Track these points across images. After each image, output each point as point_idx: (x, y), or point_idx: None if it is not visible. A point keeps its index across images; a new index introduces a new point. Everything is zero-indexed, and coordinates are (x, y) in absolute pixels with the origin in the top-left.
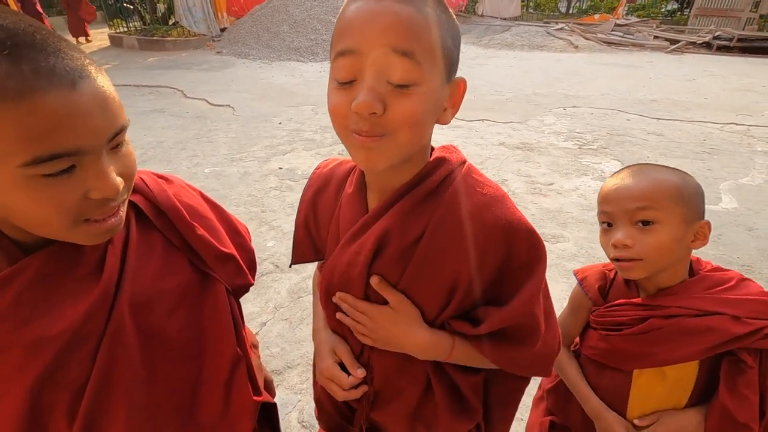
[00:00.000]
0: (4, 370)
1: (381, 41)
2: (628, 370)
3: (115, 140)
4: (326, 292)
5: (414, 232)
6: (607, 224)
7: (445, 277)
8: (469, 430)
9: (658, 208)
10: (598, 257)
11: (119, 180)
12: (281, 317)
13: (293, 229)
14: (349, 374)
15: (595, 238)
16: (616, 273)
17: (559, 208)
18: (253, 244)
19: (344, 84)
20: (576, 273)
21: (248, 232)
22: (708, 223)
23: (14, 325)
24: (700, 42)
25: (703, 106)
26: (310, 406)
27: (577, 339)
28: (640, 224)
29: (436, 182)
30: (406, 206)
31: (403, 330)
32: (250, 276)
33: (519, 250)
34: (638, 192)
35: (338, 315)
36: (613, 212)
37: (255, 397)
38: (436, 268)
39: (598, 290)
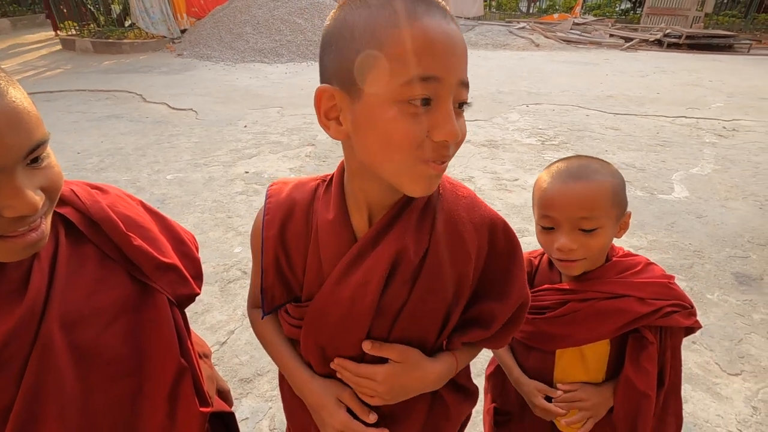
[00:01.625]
0: None
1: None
2: (551, 350)
3: (31, 155)
4: (314, 338)
5: (423, 247)
6: (549, 227)
7: (451, 283)
8: None
9: (600, 216)
10: None
11: (37, 198)
12: (249, 325)
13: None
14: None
15: None
16: (540, 259)
17: (524, 203)
18: (220, 251)
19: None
20: None
21: (195, 241)
22: (629, 214)
23: None
24: (652, 40)
25: (655, 101)
26: (281, 413)
27: None
28: (584, 231)
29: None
30: (412, 221)
31: (416, 377)
32: (195, 285)
33: (499, 240)
34: (583, 201)
35: (339, 375)
36: (557, 219)
37: (202, 408)
38: (444, 278)
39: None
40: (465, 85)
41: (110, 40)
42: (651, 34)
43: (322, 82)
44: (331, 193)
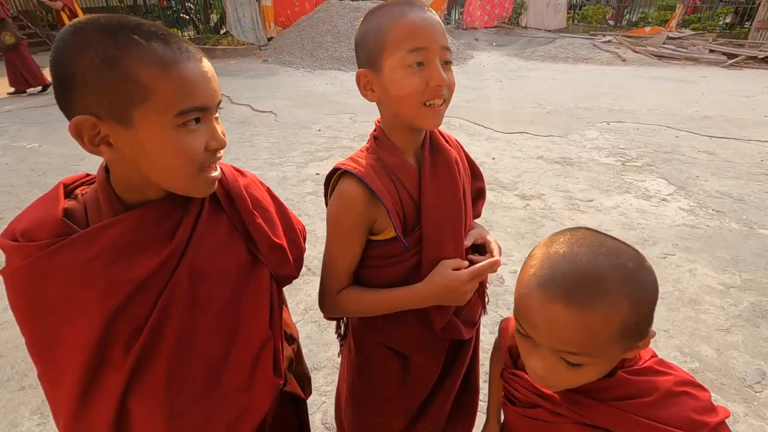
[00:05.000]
0: (89, 299)
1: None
2: None
3: (218, 108)
4: (436, 245)
5: (455, 153)
6: (526, 335)
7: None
8: None
9: (594, 354)
10: None
11: (225, 137)
12: (310, 319)
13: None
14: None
15: None
16: None
17: (598, 225)
18: None
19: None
20: (502, 321)
21: (304, 231)
22: (652, 333)
23: (103, 264)
24: (763, 56)
25: (762, 125)
26: (333, 409)
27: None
28: (567, 362)
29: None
30: (441, 142)
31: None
32: (295, 268)
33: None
34: (572, 337)
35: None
36: (538, 341)
37: (276, 379)
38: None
39: (509, 351)
40: (446, 48)
41: (207, 46)
42: (761, 50)
43: (359, 68)
44: (384, 147)
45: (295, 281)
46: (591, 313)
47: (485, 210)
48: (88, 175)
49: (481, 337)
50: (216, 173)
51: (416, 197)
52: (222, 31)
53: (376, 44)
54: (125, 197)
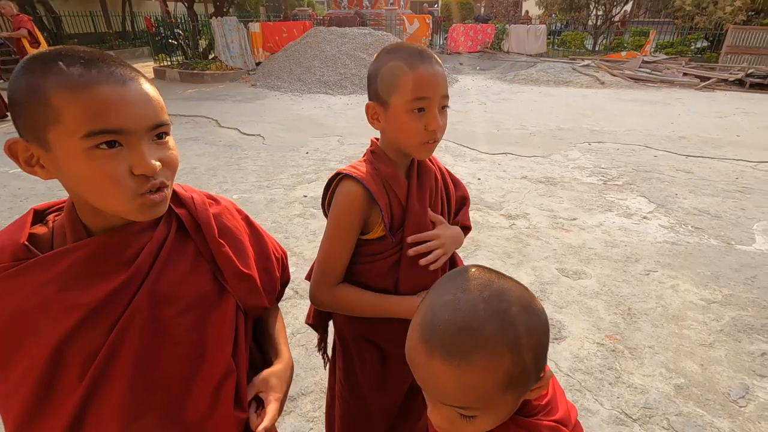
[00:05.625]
0: (41, 322)
1: None
2: None
3: (156, 131)
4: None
5: (435, 173)
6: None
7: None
8: None
9: (482, 407)
10: (622, 296)
11: (156, 163)
12: (298, 343)
13: (313, 256)
14: None
15: (620, 276)
16: None
17: (582, 243)
18: None
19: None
20: None
21: (285, 259)
22: (547, 374)
23: (58, 288)
24: (732, 80)
25: (735, 144)
26: None
27: None
28: (461, 414)
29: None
30: (427, 165)
31: (454, 233)
32: (265, 299)
33: (448, 173)
34: (455, 395)
35: (415, 250)
36: (428, 395)
37: (238, 413)
38: (449, 186)
39: None
40: (446, 96)
41: (195, 71)
42: (731, 73)
43: (369, 100)
44: (383, 160)
45: (282, 305)
46: (468, 367)
47: (472, 230)
48: (64, 201)
49: None
50: (159, 197)
51: (404, 203)
52: (210, 56)
53: (387, 85)
54: (90, 223)
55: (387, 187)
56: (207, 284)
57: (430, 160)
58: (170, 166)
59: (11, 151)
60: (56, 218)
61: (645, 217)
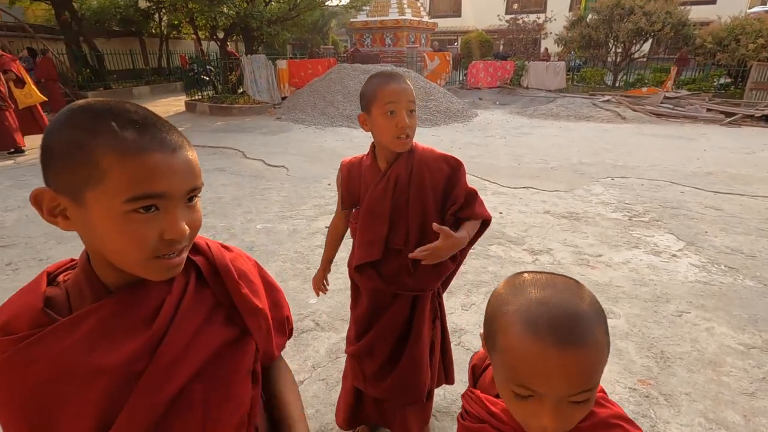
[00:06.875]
0: (67, 392)
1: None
2: None
3: (190, 194)
4: (368, 229)
5: (408, 171)
6: (527, 395)
7: (430, 188)
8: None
9: (595, 385)
10: (654, 338)
11: (186, 228)
12: (318, 377)
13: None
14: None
15: (650, 317)
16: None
17: (609, 281)
18: (296, 300)
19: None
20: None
21: (289, 317)
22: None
23: (82, 352)
24: (759, 115)
25: (766, 181)
26: None
27: None
28: (575, 402)
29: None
30: (402, 162)
31: (455, 241)
32: (275, 346)
33: (450, 165)
34: (582, 376)
35: (415, 255)
36: (550, 393)
37: None
38: (425, 184)
39: (472, 369)
40: (412, 102)
41: (224, 105)
42: (757, 109)
43: (360, 111)
44: (369, 154)
45: (302, 336)
46: (587, 345)
47: (494, 265)
48: (72, 260)
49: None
50: (177, 261)
51: (368, 186)
52: (239, 91)
53: (369, 99)
54: (107, 279)
55: (361, 173)
56: (225, 332)
57: (428, 163)
58: (194, 228)
59: (36, 201)
60: (66, 278)
61: (674, 255)
